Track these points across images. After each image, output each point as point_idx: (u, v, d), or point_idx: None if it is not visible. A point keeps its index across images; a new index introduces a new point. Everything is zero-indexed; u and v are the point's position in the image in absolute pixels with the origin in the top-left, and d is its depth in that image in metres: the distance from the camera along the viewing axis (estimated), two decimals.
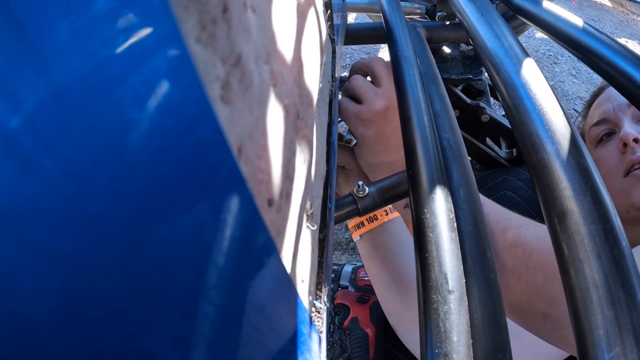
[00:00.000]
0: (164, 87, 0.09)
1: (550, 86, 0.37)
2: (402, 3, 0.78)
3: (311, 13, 0.21)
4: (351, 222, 0.62)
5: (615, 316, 0.24)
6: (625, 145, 0.65)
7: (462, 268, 0.25)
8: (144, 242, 0.09)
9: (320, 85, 0.25)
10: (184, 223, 0.09)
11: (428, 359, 0.21)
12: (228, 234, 0.11)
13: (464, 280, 0.24)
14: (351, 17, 2.12)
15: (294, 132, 0.15)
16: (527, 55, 0.42)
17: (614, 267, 0.26)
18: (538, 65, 0.40)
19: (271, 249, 0.14)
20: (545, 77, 0.38)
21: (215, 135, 0.10)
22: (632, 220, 0.66)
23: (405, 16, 0.79)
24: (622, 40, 2.99)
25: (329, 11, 0.41)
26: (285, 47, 0.15)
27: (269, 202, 0.13)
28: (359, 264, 0.79)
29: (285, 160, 0.14)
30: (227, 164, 0.11)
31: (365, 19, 2.08)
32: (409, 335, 0.58)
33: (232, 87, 0.11)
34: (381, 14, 0.61)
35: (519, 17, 0.56)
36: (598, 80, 1.82)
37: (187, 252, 0.10)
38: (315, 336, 0.22)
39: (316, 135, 0.22)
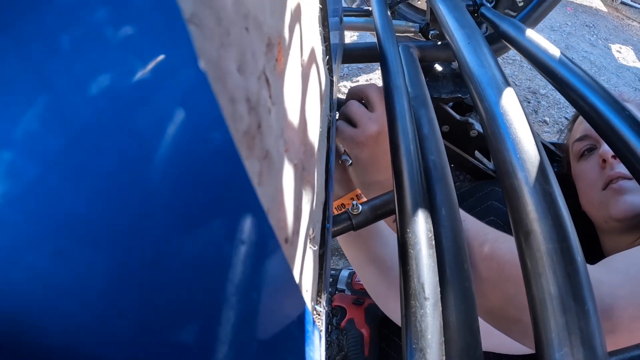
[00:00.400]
0: (224, 186, 0.13)
1: (526, 115, 0.42)
2: (397, 22, 0.82)
3: (313, 68, 0.25)
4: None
5: (565, 322, 0.29)
6: (604, 161, 0.70)
7: (437, 279, 0.29)
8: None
9: (320, 127, 0.29)
10: (233, 259, 0.14)
11: (407, 352, 0.26)
12: (260, 264, 0.16)
13: (439, 289, 0.29)
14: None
15: (301, 183, 0.20)
16: (508, 85, 0.46)
17: (568, 281, 0.30)
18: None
19: (286, 270, 0.19)
20: (523, 107, 0.43)
21: (255, 207, 0.15)
22: (611, 230, 0.70)
23: (400, 34, 0.83)
24: (616, 46, 3.03)
25: (326, 43, 0.45)
26: (294, 113, 0.19)
27: (285, 240, 0.18)
28: (352, 269, 0.84)
29: (295, 207, 0.19)
30: (262, 222, 0.16)
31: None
32: (394, 310, 0.62)
33: (264, 174, 0.15)
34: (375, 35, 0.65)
35: (503, 40, 0.61)
36: None
37: (236, 277, 0.14)
38: (316, 333, 0.27)
39: (317, 174, 0.26)
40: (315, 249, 0.25)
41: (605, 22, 3.64)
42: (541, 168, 0.36)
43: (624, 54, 2.86)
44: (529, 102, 1.65)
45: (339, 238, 0.65)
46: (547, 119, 1.60)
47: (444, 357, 0.29)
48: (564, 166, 0.87)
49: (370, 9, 0.88)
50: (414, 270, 0.28)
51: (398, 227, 0.34)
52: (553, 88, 1.76)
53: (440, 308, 0.29)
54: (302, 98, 0.21)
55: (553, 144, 0.96)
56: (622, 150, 0.38)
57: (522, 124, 0.40)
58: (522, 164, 0.36)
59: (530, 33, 0.55)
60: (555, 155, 0.94)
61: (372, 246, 0.60)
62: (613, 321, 0.41)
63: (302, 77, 0.22)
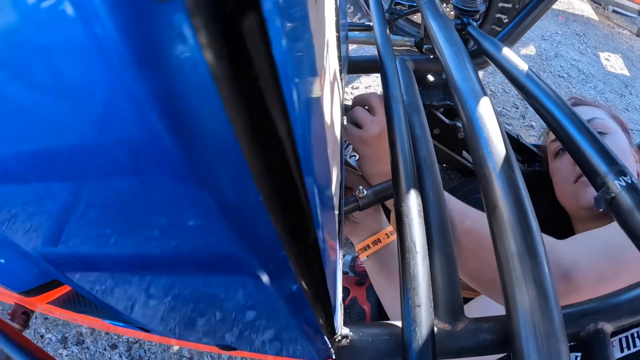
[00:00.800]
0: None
1: (498, 119, 0.52)
2: (395, 37, 0.92)
3: (336, 78, 0.35)
4: (358, 246, 0.74)
5: (522, 271, 0.38)
6: (570, 161, 0.80)
7: (425, 241, 0.39)
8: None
9: (339, 127, 0.39)
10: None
11: (404, 291, 0.36)
12: (325, 209, 0.26)
13: (427, 247, 0.39)
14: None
15: (334, 167, 0.30)
16: (485, 95, 0.56)
17: (524, 242, 0.40)
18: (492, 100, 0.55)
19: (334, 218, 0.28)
20: (496, 112, 0.53)
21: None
22: (582, 218, 0.80)
23: (398, 47, 0.93)
24: (605, 54, 3.14)
25: (341, 65, 0.55)
26: (329, 115, 0.29)
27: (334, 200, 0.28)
28: (355, 254, 0.93)
29: (335, 182, 0.29)
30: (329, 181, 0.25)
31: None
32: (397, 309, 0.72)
33: None
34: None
35: (484, 56, 0.71)
36: (576, 95, 1.97)
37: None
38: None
39: (338, 162, 0.36)
40: (337, 213, 0.35)
41: (596, 31, 3.75)
42: (507, 159, 0.46)
43: (612, 62, 2.98)
44: (517, 108, 1.76)
45: (369, 268, 0.74)
46: (533, 123, 1.71)
47: (431, 296, 0.39)
48: (544, 165, 0.97)
49: (371, 24, 0.98)
50: (408, 233, 0.38)
51: (395, 207, 0.44)
52: None
53: (428, 261, 0.38)
54: (332, 104, 0.31)
55: (535, 145, 1.06)
56: (572, 148, 0.48)
57: (493, 125, 0.50)
58: (491, 156, 0.46)
59: (506, 51, 0.65)
60: (537, 156, 1.04)
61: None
62: (574, 284, 0.51)
63: (331, 85, 0.31)
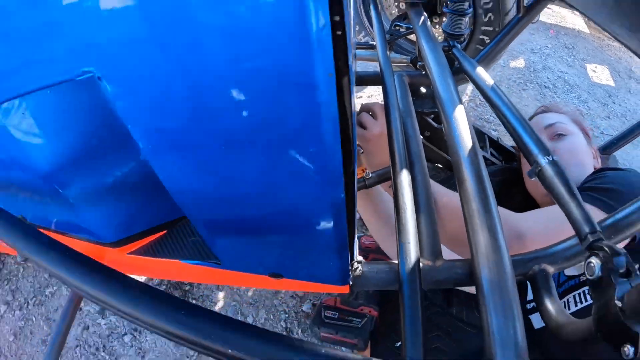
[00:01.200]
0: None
1: (469, 122, 0.69)
2: (395, 55, 1.10)
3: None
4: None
5: (480, 225, 0.56)
6: None
7: (413, 204, 0.57)
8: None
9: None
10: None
11: (398, 237, 0.53)
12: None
13: (415, 210, 0.56)
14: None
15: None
16: (460, 103, 0.74)
17: (482, 206, 0.57)
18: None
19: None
20: (468, 117, 0.70)
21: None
22: (546, 203, 0.98)
23: (395, 63, 1.12)
24: (592, 66, 3.33)
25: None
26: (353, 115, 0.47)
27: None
28: (360, 234, 1.11)
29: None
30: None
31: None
32: (390, 247, 0.88)
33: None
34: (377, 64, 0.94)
35: (464, 73, 0.89)
36: (559, 104, 2.15)
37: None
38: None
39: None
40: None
41: (586, 44, 3.92)
42: (472, 148, 0.63)
43: (598, 73, 3.16)
44: None
45: (362, 205, 0.91)
46: None
47: (418, 241, 0.56)
48: (518, 163, 1.15)
49: (374, 43, 1.16)
50: (401, 199, 0.56)
51: (393, 185, 0.61)
52: (525, 103, 2.04)
53: (415, 217, 0.56)
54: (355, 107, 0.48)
55: (513, 147, 1.24)
56: (518, 141, 0.65)
57: (465, 125, 0.67)
58: (461, 145, 0.63)
59: (479, 70, 0.83)
60: (514, 155, 1.22)
61: (377, 203, 0.88)
62: (525, 242, 0.68)
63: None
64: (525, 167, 1.02)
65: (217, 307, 1.17)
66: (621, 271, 0.41)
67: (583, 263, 0.45)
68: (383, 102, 0.79)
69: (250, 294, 1.16)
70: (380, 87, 0.91)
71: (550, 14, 4.06)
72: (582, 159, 0.95)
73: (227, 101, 0.31)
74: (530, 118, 1.15)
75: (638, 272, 0.40)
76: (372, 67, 1.83)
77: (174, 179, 0.40)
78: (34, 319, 1.35)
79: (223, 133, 0.34)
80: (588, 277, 0.43)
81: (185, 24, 0.27)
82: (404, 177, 0.61)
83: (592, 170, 0.96)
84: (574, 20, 4.27)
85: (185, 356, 1.06)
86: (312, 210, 0.42)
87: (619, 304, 0.39)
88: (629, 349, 0.39)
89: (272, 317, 1.09)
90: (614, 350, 0.40)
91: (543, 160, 0.55)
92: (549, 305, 0.55)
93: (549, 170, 0.54)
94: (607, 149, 1.22)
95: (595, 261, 0.43)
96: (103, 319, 1.23)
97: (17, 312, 1.39)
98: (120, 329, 1.17)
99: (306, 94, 0.31)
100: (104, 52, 0.29)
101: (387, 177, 0.68)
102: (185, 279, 0.72)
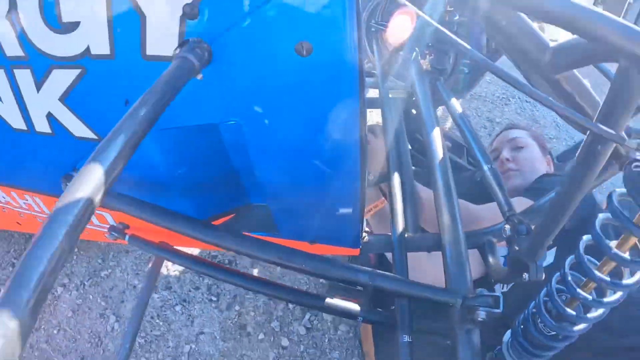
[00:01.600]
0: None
1: (442, 136, 0.98)
2: (391, 84, 1.39)
3: None
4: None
5: (445, 207, 0.84)
6: (502, 161, 1.27)
7: (402, 195, 0.86)
8: None
9: None
10: None
11: (392, 211, 0.83)
12: None
13: (402, 200, 0.86)
14: None
15: None
16: (437, 126, 1.02)
17: (447, 197, 0.86)
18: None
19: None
20: (441, 133, 0.99)
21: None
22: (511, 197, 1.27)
23: (393, 90, 1.40)
24: None
25: None
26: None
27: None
28: None
29: None
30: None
31: None
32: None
33: None
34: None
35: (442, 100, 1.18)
36: (538, 117, 2.44)
37: None
38: None
39: None
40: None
41: None
42: (443, 160, 0.92)
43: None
44: (485, 128, 2.23)
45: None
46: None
47: (404, 221, 0.85)
48: None
49: (375, 72, 1.45)
50: (394, 193, 0.85)
51: (388, 184, 0.90)
52: (507, 117, 2.32)
53: (402, 204, 0.85)
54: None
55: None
56: (474, 158, 0.94)
57: (438, 142, 0.95)
58: (436, 158, 0.92)
59: (453, 101, 1.12)
60: None
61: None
62: (479, 224, 0.96)
63: None
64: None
65: None
66: (523, 233, 0.70)
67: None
68: (381, 124, 1.08)
69: (278, 270, 1.44)
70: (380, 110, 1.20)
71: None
72: (535, 166, 1.25)
73: (306, 131, 0.60)
74: (499, 133, 1.44)
75: (532, 232, 0.68)
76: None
77: (271, 180, 0.69)
78: (90, 297, 1.59)
79: (300, 149, 0.64)
80: (504, 236, 0.72)
81: (287, 105, 0.57)
82: (396, 179, 0.90)
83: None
84: (565, 35, 4.53)
85: (227, 319, 1.34)
86: (340, 196, 0.70)
87: (517, 248, 0.67)
88: (526, 275, 0.67)
89: (296, 286, 1.38)
90: (518, 277, 0.68)
91: (485, 167, 0.84)
92: (492, 262, 0.83)
93: (487, 173, 0.83)
94: (562, 158, 1.51)
95: (507, 227, 0.71)
96: (156, 293, 1.51)
97: (74, 292, 1.62)
98: (172, 301, 1.44)
99: (340, 125, 0.60)
100: (245, 113, 0.59)
101: (384, 179, 0.97)
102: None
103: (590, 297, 0.51)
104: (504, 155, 1.28)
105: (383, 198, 1.09)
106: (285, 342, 1.30)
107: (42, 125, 0.78)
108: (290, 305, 1.37)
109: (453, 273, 0.75)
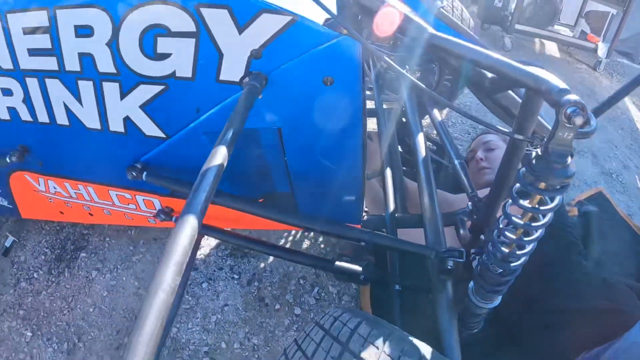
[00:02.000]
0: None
1: (425, 141, 1.25)
2: (385, 96, 1.66)
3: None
4: None
5: (425, 194, 1.11)
6: (477, 160, 1.54)
7: (393, 188, 1.13)
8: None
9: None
10: None
11: (385, 197, 1.10)
12: None
13: (393, 191, 1.12)
14: None
15: None
16: (421, 132, 1.29)
17: (428, 188, 1.13)
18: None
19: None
20: (425, 139, 1.26)
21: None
22: (480, 186, 1.53)
23: (387, 102, 1.67)
24: None
25: None
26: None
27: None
28: None
29: None
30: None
31: None
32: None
33: None
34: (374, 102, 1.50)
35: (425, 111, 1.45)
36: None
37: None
38: None
39: None
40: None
41: (554, 67, 4.41)
42: (425, 158, 1.18)
43: None
44: (469, 134, 2.51)
45: None
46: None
47: (395, 205, 1.11)
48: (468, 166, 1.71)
49: (371, 87, 1.72)
50: (387, 186, 1.12)
51: (382, 178, 1.17)
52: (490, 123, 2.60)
53: (393, 193, 1.12)
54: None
55: (466, 156, 1.81)
56: (449, 155, 1.21)
57: (422, 144, 1.22)
58: (420, 156, 1.19)
59: (435, 111, 1.38)
60: (467, 162, 1.78)
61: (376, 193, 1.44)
62: (453, 207, 1.23)
63: None
64: (471, 167, 1.57)
65: (269, 261, 1.69)
66: (480, 206, 0.96)
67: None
68: (376, 130, 1.35)
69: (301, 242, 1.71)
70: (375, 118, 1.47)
71: (528, 45, 4.57)
72: None
73: (325, 134, 0.87)
74: (476, 137, 1.71)
75: (484, 204, 0.95)
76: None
77: (297, 171, 0.95)
78: (124, 279, 1.75)
79: (320, 147, 0.90)
80: (467, 210, 0.98)
81: (314, 117, 0.83)
82: (388, 173, 1.17)
83: None
84: (548, 46, 4.73)
85: (248, 293, 1.57)
86: (347, 184, 0.97)
87: (475, 217, 0.93)
88: (482, 237, 0.93)
89: (305, 267, 1.64)
90: (478, 239, 0.94)
91: (456, 161, 1.10)
92: (462, 233, 1.09)
93: (457, 166, 1.09)
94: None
95: (469, 203, 0.97)
96: None
97: (108, 275, 1.76)
98: (199, 279, 1.67)
99: (349, 132, 0.86)
100: (286, 123, 0.85)
101: (378, 174, 1.24)
102: (272, 227, 1.24)
103: (515, 237, 0.75)
104: (478, 155, 1.55)
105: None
106: (297, 310, 1.55)
107: (116, 126, 1.02)
108: (302, 281, 1.62)
109: (430, 238, 1.01)
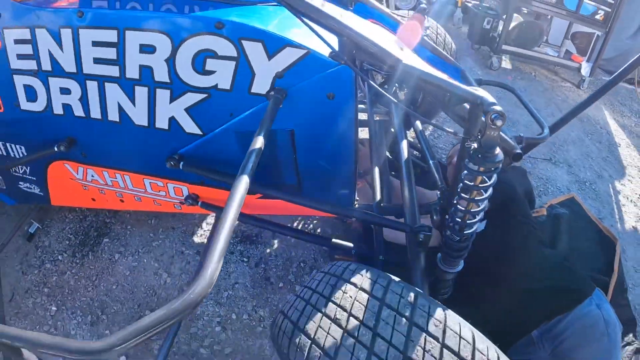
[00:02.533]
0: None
1: (409, 147, 1.53)
2: (377, 109, 1.94)
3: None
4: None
5: (406, 190, 1.39)
6: (453, 165, 1.82)
7: (380, 183, 1.41)
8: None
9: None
10: None
11: (373, 190, 1.38)
12: None
13: (380, 186, 1.41)
14: None
15: None
16: (405, 138, 1.57)
17: (408, 183, 1.40)
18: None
19: None
20: (408, 146, 1.54)
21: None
22: None
23: (378, 114, 1.96)
24: (537, 105, 4.15)
25: None
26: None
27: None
28: None
29: None
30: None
31: None
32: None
33: None
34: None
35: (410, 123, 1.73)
36: None
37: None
38: None
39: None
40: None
41: (538, 86, 4.51)
42: (407, 160, 1.46)
43: (541, 112, 4.01)
44: (453, 144, 2.81)
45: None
46: None
47: (382, 198, 1.39)
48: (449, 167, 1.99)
49: (365, 100, 2.00)
50: (374, 183, 1.40)
51: (371, 177, 1.45)
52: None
53: (380, 188, 1.40)
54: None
55: (447, 159, 2.09)
56: (424, 157, 1.49)
57: (405, 149, 1.50)
58: (402, 156, 1.47)
59: (417, 122, 1.67)
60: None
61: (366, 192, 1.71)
62: (429, 201, 1.50)
63: None
64: (449, 169, 1.85)
65: (274, 247, 1.95)
66: (445, 192, 1.24)
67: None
68: (368, 138, 1.63)
69: (292, 241, 1.96)
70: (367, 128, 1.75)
71: (520, 66, 4.82)
72: None
73: (327, 137, 1.15)
74: (455, 145, 1.99)
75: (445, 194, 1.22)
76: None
77: (308, 165, 1.23)
78: (145, 261, 1.95)
79: (323, 147, 1.17)
80: (437, 197, 1.26)
81: (320, 123, 1.11)
82: (376, 173, 1.45)
83: None
84: (533, 68, 5.00)
85: (255, 273, 1.83)
86: (343, 178, 1.24)
87: (442, 202, 1.21)
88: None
89: (306, 252, 1.90)
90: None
91: (430, 162, 1.38)
92: (436, 218, 1.36)
93: (432, 166, 1.37)
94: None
95: (438, 192, 1.25)
96: (198, 256, 2.00)
97: (130, 257, 1.96)
98: None
99: (345, 135, 1.14)
100: (298, 126, 1.13)
101: (368, 173, 1.51)
102: (281, 212, 1.50)
103: (465, 209, 1.02)
104: (454, 160, 1.84)
105: (364, 180, 1.64)
106: (298, 288, 1.80)
107: (162, 124, 1.26)
108: (302, 264, 1.89)
109: (408, 219, 1.28)
